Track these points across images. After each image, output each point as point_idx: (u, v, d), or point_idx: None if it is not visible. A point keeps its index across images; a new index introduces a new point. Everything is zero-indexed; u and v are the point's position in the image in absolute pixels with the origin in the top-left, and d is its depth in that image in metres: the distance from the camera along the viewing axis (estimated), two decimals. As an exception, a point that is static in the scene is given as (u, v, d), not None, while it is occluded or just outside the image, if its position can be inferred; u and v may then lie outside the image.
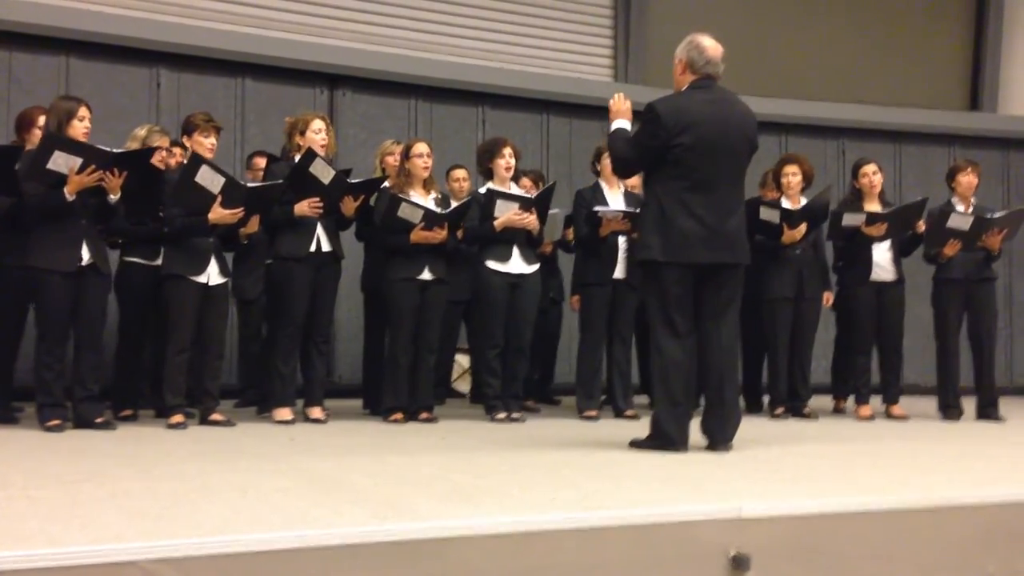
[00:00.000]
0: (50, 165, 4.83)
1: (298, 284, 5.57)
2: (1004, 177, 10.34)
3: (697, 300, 4.38)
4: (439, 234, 5.65)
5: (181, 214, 5.28)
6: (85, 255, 5.01)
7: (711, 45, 4.42)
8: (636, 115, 4.57)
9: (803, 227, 6.35)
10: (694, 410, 4.49)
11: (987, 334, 6.65)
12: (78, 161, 4.85)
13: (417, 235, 5.64)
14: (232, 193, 5.27)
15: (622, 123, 4.57)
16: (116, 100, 7.34)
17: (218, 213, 5.25)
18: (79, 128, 4.98)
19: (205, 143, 5.36)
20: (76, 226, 5.00)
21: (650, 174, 4.46)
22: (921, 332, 8.55)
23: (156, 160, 5.32)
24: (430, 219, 5.63)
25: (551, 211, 6.21)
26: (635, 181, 6.00)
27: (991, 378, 6.69)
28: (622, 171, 4.96)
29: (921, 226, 6.52)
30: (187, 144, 5.39)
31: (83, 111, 5.01)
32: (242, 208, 5.30)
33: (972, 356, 6.69)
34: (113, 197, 5.07)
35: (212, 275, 5.39)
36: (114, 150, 5.10)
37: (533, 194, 6.20)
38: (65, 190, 4.87)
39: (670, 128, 4.27)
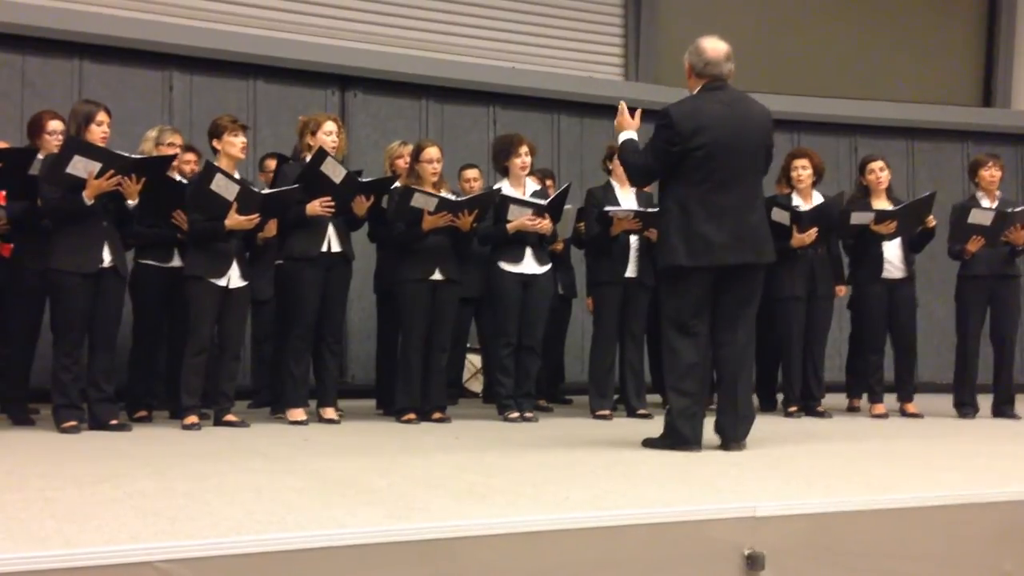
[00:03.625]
0: (69, 169, 4.87)
1: (309, 285, 5.58)
2: (1017, 172, 10.30)
3: (715, 301, 4.37)
4: (451, 218, 5.63)
5: (202, 219, 5.30)
6: (106, 257, 5.05)
7: (711, 47, 4.39)
8: (646, 115, 4.55)
9: (813, 232, 6.32)
10: (707, 409, 4.48)
11: (1009, 331, 6.61)
12: (97, 165, 4.89)
13: (429, 221, 5.64)
14: (247, 200, 5.29)
15: (629, 134, 4.54)
16: (129, 103, 7.37)
17: (234, 220, 5.27)
18: (97, 132, 5.01)
19: (236, 143, 5.38)
20: (97, 228, 5.03)
21: (667, 178, 4.42)
22: (935, 329, 8.53)
23: (172, 169, 5.37)
24: (444, 207, 5.63)
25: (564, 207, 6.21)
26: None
27: (1009, 376, 6.65)
28: (642, 179, 4.76)
29: (932, 221, 6.48)
30: (217, 147, 5.40)
31: (102, 116, 5.04)
32: (258, 214, 5.33)
33: (993, 353, 6.65)
34: (131, 202, 5.10)
35: (232, 278, 5.40)
36: (133, 155, 5.13)
37: (538, 187, 6.22)
38: (84, 194, 4.90)
39: (685, 133, 4.26)
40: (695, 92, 4.42)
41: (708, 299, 4.35)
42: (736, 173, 4.30)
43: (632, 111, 4.59)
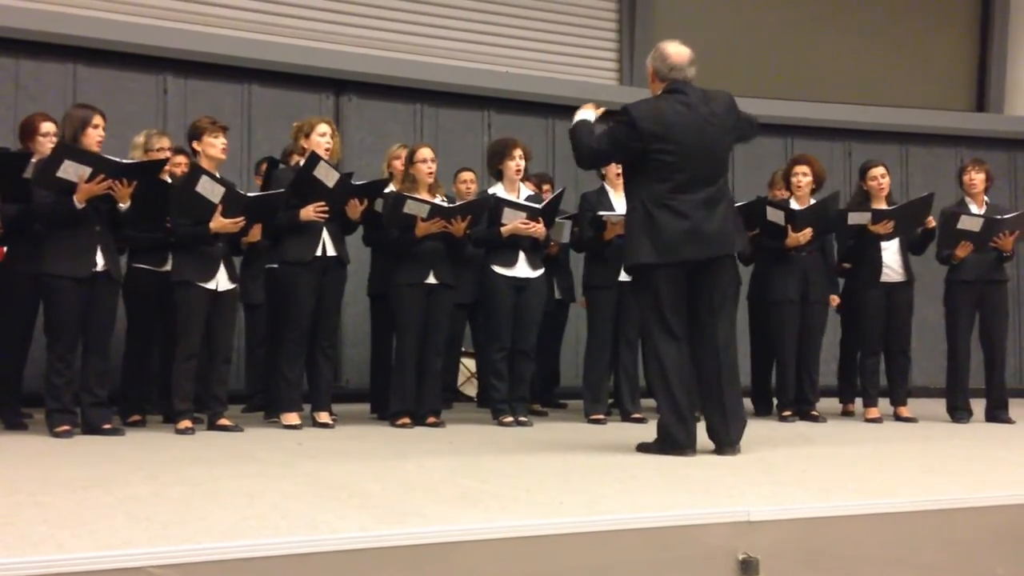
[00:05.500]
0: (60, 173, 4.87)
1: (304, 289, 5.58)
2: (1011, 177, 10.32)
3: (692, 299, 4.37)
4: (444, 224, 5.63)
5: (187, 223, 5.30)
6: (99, 261, 5.04)
7: (675, 51, 4.43)
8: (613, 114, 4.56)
9: (808, 231, 6.33)
10: (699, 412, 4.48)
11: (998, 336, 6.62)
12: (87, 170, 4.88)
13: (422, 228, 5.63)
14: (233, 203, 5.29)
15: (586, 114, 4.56)
16: (123, 107, 7.36)
17: (219, 222, 5.27)
18: (93, 136, 5.01)
19: (216, 144, 5.37)
20: (90, 232, 5.03)
21: (632, 179, 4.46)
22: (929, 334, 8.54)
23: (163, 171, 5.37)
24: (436, 213, 5.63)
25: (557, 220, 6.22)
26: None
27: (1001, 380, 6.66)
28: (589, 160, 4.72)
29: (931, 222, 6.49)
30: (197, 148, 5.40)
31: (97, 119, 5.04)
32: (243, 217, 5.32)
33: (983, 358, 6.66)
34: (123, 205, 5.10)
35: (221, 281, 5.40)
36: (123, 160, 5.13)
37: (532, 192, 6.23)
38: (74, 198, 4.89)
39: (646, 134, 4.28)
40: (658, 95, 4.44)
41: (682, 298, 4.34)
42: (700, 173, 4.32)
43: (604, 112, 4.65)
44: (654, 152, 4.28)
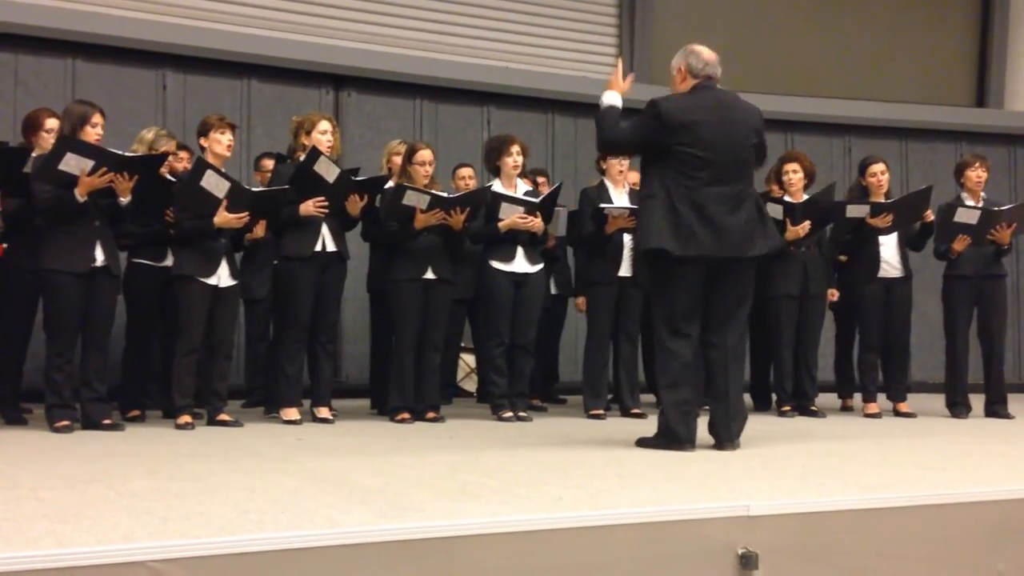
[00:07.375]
0: (62, 166, 4.87)
1: (303, 284, 5.58)
2: (1010, 172, 10.33)
3: (707, 300, 4.36)
4: (443, 216, 5.63)
5: (190, 217, 5.30)
6: (99, 256, 5.04)
7: (706, 50, 4.45)
8: (635, 112, 4.54)
9: (807, 224, 6.34)
10: (700, 408, 4.48)
11: (997, 331, 6.62)
12: (89, 163, 4.88)
13: (421, 219, 5.63)
14: (237, 198, 5.28)
15: (614, 98, 4.49)
16: (122, 102, 7.35)
17: (223, 217, 5.27)
18: (92, 134, 5.02)
19: (223, 140, 5.38)
20: (90, 227, 5.03)
21: (654, 169, 4.41)
22: (928, 329, 8.54)
23: (164, 168, 5.36)
24: (436, 204, 5.63)
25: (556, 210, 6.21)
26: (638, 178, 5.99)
27: (1000, 375, 6.66)
28: (613, 149, 4.82)
29: (930, 215, 6.48)
30: (204, 144, 5.40)
31: (97, 117, 5.04)
32: (247, 213, 5.32)
33: (982, 353, 6.66)
34: (123, 200, 5.10)
35: (222, 277, 5.40)
36: (125, 153, 5.13)
37: (530, 188, 6.22)
38: (76, 191, 4.89)
39: (674, 126, 4.27)
40: (687, 91, 4.43)
41: (699, 299, 4.34)
42: (725, 170, 4.30)
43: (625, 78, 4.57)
44: (680, 145, 4.27)
